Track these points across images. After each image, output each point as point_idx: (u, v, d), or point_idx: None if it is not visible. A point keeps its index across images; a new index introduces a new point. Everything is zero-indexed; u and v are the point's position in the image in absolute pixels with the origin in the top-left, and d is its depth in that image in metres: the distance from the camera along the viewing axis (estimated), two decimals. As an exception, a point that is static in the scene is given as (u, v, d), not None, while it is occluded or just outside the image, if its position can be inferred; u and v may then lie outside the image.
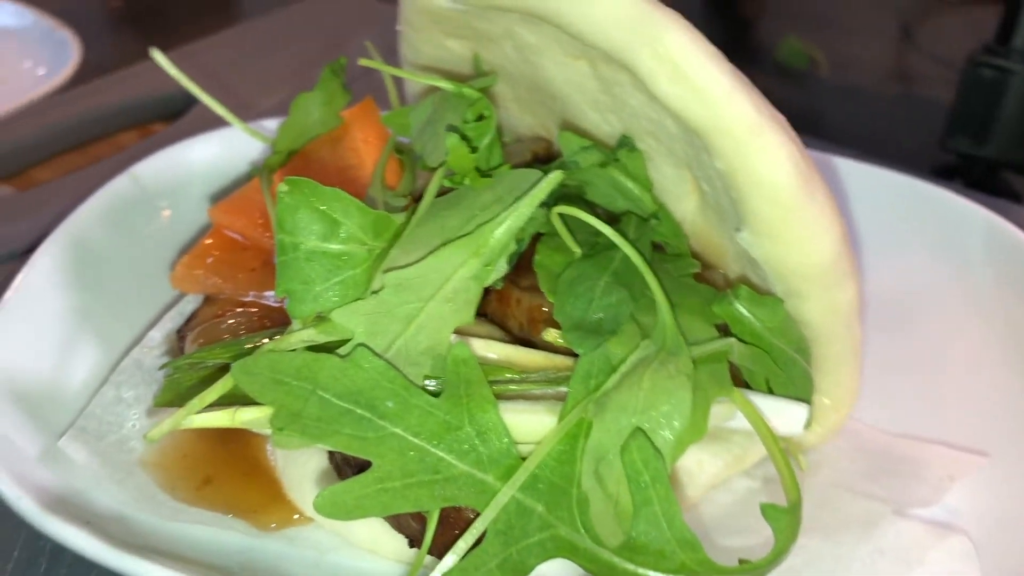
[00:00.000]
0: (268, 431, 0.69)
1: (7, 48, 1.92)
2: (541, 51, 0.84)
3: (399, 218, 0.77)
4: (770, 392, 0.81)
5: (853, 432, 0.89)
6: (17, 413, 0.84)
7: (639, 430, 0.68)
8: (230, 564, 0.76)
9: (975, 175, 1.57)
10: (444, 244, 0.73)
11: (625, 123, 0.84)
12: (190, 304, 1.00)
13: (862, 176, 1.17)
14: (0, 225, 1.24)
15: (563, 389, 0.74)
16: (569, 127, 0.91)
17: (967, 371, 0.96)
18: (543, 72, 0.87)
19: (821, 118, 1.87)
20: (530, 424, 0.71)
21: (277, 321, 0.87)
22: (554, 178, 0.75)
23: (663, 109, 0.73)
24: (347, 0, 1.98)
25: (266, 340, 0.78)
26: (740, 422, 0.77)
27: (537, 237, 0.81)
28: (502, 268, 0.74)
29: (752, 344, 0.77)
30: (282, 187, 0.72)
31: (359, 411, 0.68)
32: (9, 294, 0.94)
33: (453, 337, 0.72)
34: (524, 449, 0.70)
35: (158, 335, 0.97)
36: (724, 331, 0.78)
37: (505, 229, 0.74)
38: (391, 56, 1.03)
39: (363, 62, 0.92)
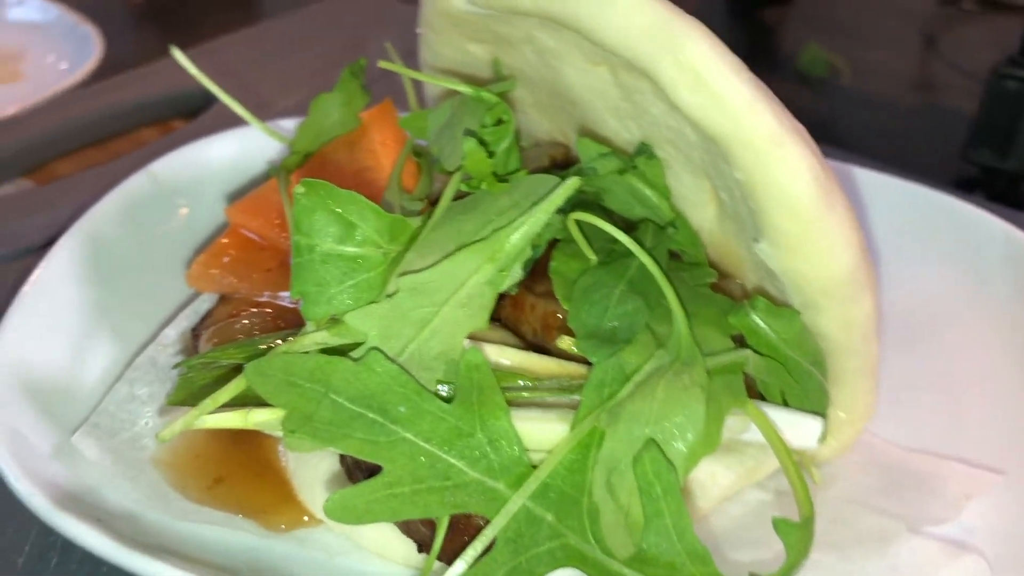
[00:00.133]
0: (280, 433, 0.69)
1: (31, 42, 1.93)
2: (561, 56, 0.84)
3: (415, 222, 0.77)
4: (785, 404, 0.80)
5: (868, 446, 0.88)
6: (31, 408, 0.84)
7: (652, 441, 0.67)
8: (237, 564, 0.75)
9: (997, 188, 1.55)
10: (459, 249, 0.73)
11: (645, 130, 0.83)
12: (205, 303, 1.00)
13: (881, 187, 1.16)
14: (19, 219, 1.24)
15: (576, 397, 0.73)
16: (588, 133, 0.91)
17: (985, 387, 0.95)
18: (563, 77, 0.86)
19: (842, 127, 1.86)
20: (542, 432, 0.71)
21: (291, 322, 0.87)
22: (571, 184, 0.75)
23: (683, 118, 0.72)
24: (368, 0, 1.98)
25: (280, 341, 0.78)
26: (754, 434, 0.76)
27: (553, 243, 0.81)
28: (517, 274, 0.74)
29: (768, 356, 0.77)
30: (299, 189, 0.72)
31: (371, 415, 0.68)
32: (26, 289, 0.94)
33: (466, 342, 0.72)
34: (535, 457, 0.69)
35: (173, 333, 0.98)
36: (740, 342, 0.77)
37: (521, 235, 0.73)
38: (411, 57, 1.03)
39: (383, 64, 0.92)
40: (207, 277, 0.94)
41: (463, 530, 0.70)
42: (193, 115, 1.54)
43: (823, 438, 0.80)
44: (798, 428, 0.79)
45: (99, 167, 1.39)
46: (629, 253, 0.76)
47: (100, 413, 0.88)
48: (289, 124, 1.18)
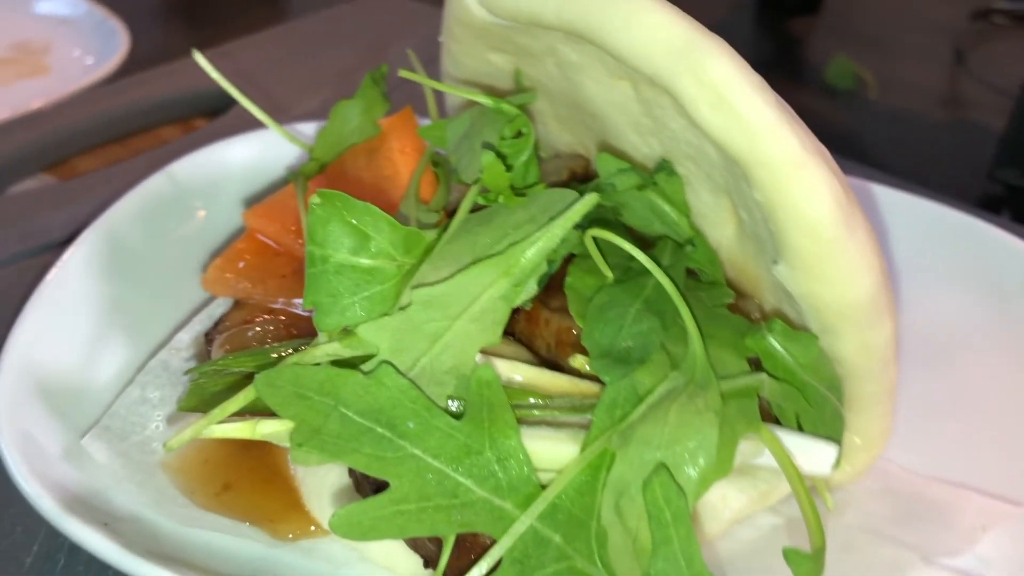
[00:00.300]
0: (288, 445, 0.68)
1: (59, 36, 1.95)
2: (583, 70, 0.83)
3: (430, 234, 0.76)
4: (800, 429, 0.79)
5: (883, 473, 0.86)
6: (43, 409, 0.85)
7: (663, 465, 0.66)
8: (243, 574, 0.75)
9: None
10: (474, 262, 0.72)
11: (665, 146, 0.83)
12: (219, 307, 1.00)
13: (903, 206, 1.14)
14: (40, 215, 1.25)
15: (587, 417, 0.72)
16: (608, 147, 0.90)
17: (1004, 415, 0.93)
18: (584, 91, 0.86)
19: (867, 141, 1.84)
20: (552, 452, 0.70)
21: (304, 330, 0.87)
22: (589, 200, 0.74)
23: (704, 136, 0.71)
24: (392, 3, 1.98)
25: (292, 350, 0.78)
26: (767, 459, 0.75)
27: (569, 258, 0.80)
28: (532, 289, 0.73)
29: (784, 380, 0.76)
30: (314, 199, 0.72)
31: (379, 430, 0.67)
32: (41, 288, 0.94)
33: (478, 357, 0.71)
34: (544, 477, 0.69)
35: (186, 337, 0.98)
36: (755, 364, 0.76)
37: (537, 250, 0.73)
38: (433, 64, 1.02)
39: (403, 73, 0.91)
40: (222, 281, 0.94)
41: (469, 548, 0.70)
42: (215, 114, 1.55)
43: (837, 464, 0.79)
44: (812, 454, 0.77)
45: (120, 164, 1.39)
46: (646, 271, 0.75)
47: (111, 416, 0.88)
48: (309, 128, 1.18)
